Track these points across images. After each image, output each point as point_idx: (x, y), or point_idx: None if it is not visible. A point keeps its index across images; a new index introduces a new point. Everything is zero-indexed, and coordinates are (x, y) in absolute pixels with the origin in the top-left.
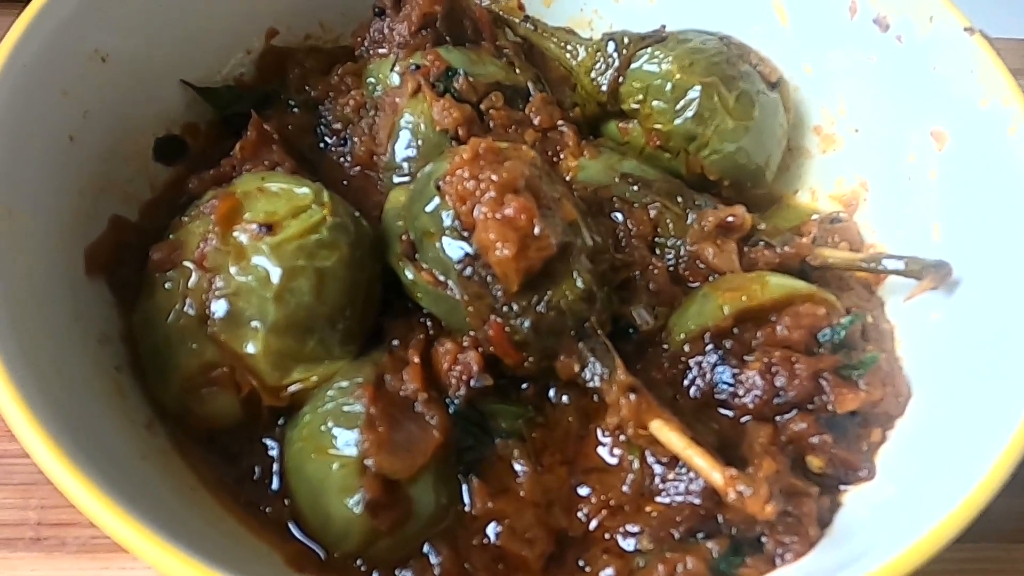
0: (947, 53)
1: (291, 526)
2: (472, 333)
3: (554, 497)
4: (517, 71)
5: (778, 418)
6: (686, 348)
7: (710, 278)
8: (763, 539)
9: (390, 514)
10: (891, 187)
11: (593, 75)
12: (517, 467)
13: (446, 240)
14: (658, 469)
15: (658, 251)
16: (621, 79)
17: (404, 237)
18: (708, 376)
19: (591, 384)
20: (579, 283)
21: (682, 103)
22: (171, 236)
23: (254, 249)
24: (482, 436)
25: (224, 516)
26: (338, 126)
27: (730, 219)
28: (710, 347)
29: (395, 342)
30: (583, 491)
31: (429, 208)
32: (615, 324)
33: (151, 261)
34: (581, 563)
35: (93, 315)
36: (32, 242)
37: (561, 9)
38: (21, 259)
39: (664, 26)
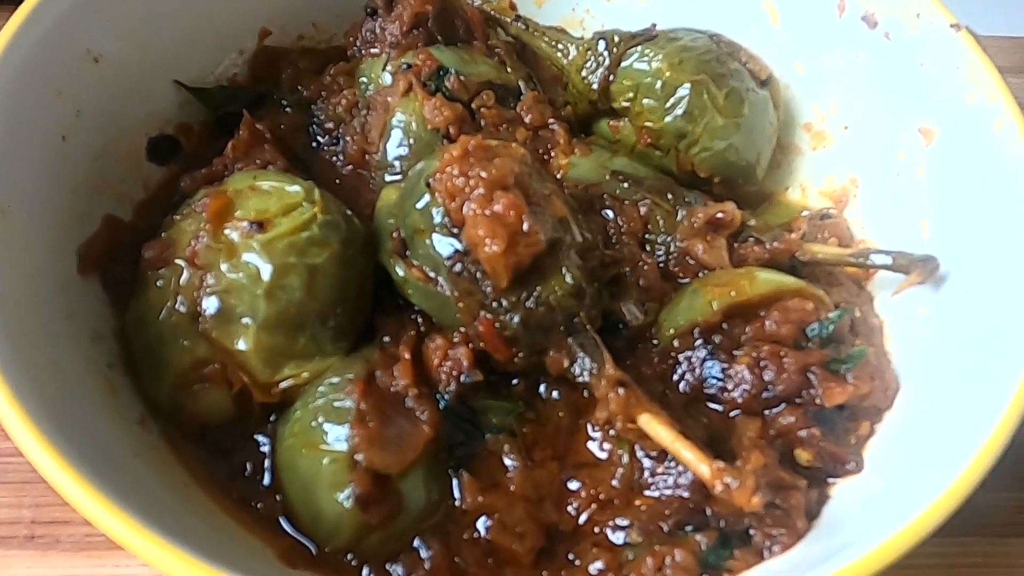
0: (934, 50)
1: (283, 521)
2: (462, 329)
3: (544, 492)
4: (509, 70)
5: (767, 412)
6: (675, 343)
7: (700, 274)
8: (751, 532)
9: (380, 509)
10: (881, 183)
11: (584, 73)
12: (507, 462)
13: (436, 237)
14: (647, 463)
15: (648, 247)
16: (612, 77)
17: (395, 234)
18: (697, 371)
19: (581, 379)
20: (568, 279)
21: (672, 101)
22: (163, 234)
23: (245, 247)
24: (472, 431)
25: (216, 512)
26: (330, 125)
27: (720, 215)
28: (699, 342)
29: (386, 338)
30: (573, 485)
31: (420, 205)
32: (605, 320)
33: (143, 259)
34: (571, 557)
35: (86, 313)
36: (25, 241)
37: (553, 8)
38: (14, 258)
39: (655, 25)
